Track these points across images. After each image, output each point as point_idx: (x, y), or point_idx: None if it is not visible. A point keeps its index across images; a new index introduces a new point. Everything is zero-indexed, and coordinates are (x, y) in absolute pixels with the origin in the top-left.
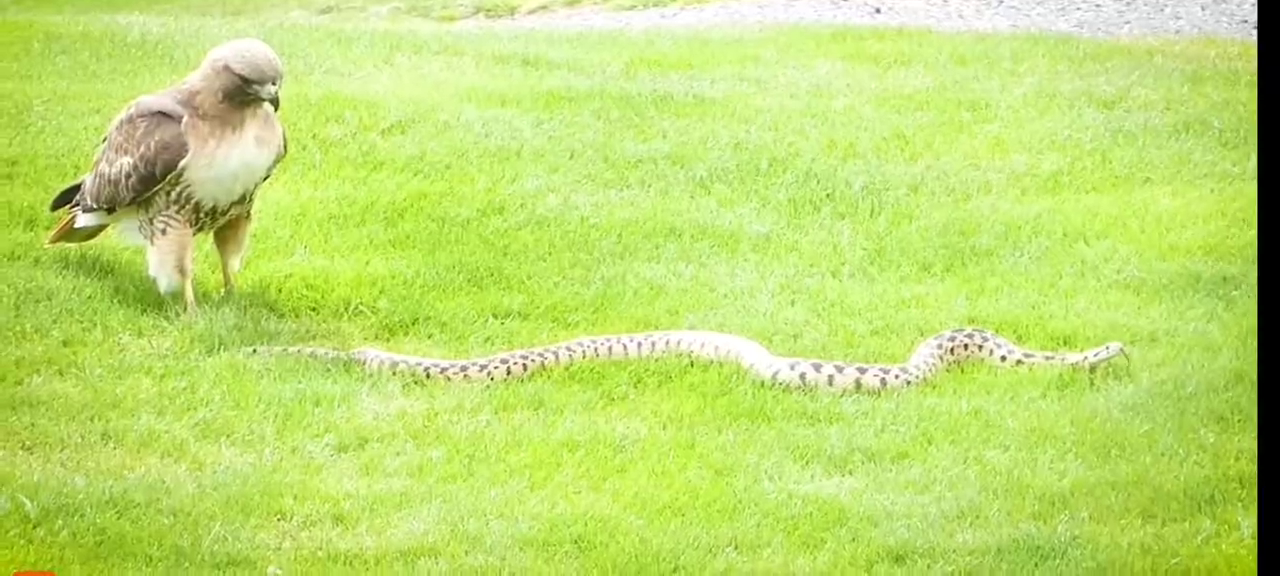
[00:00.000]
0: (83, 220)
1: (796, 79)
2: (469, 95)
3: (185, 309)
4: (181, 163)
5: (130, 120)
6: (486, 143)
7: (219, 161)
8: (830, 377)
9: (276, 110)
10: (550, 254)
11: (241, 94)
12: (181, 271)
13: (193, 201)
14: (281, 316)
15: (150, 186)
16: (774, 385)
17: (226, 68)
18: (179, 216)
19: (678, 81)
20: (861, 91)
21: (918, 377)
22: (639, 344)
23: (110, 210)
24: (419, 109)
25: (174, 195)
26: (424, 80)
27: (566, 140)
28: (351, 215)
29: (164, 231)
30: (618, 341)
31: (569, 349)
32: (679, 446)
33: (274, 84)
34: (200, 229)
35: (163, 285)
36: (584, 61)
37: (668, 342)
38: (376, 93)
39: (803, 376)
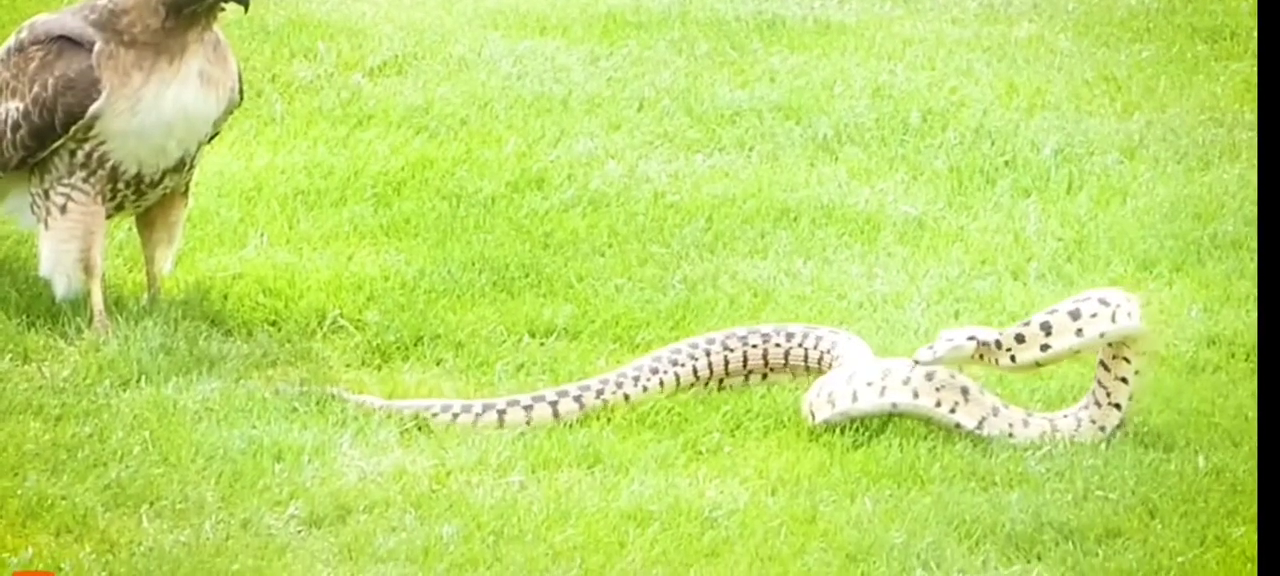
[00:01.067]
0: None
1: None
2: (494, 19)
3: (91, 322)
4: (92, 107)
5: (21, 49)
6: (519, 88)
7: (146, 107)
8: (1010, 426)
9: (246, 9)
10: (610, 246)
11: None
12: (87, 269)
13: (108, 165)
14: (228, 334)
15: (47, 142)
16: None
17: None
18: (87, 187)
19: (793, 0)
20: (1055, 13)
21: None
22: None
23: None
24: (423, 39)
25: (81, 156)
26: None
27: (633, 84)
28: (327, 191)
29: (64, 209)
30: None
31: (682, 357)
32: (795, 520)
33: None
34: (118, 208)
35: (60, 288)
36: None
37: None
38: (362, 16)
39: (980, 423)
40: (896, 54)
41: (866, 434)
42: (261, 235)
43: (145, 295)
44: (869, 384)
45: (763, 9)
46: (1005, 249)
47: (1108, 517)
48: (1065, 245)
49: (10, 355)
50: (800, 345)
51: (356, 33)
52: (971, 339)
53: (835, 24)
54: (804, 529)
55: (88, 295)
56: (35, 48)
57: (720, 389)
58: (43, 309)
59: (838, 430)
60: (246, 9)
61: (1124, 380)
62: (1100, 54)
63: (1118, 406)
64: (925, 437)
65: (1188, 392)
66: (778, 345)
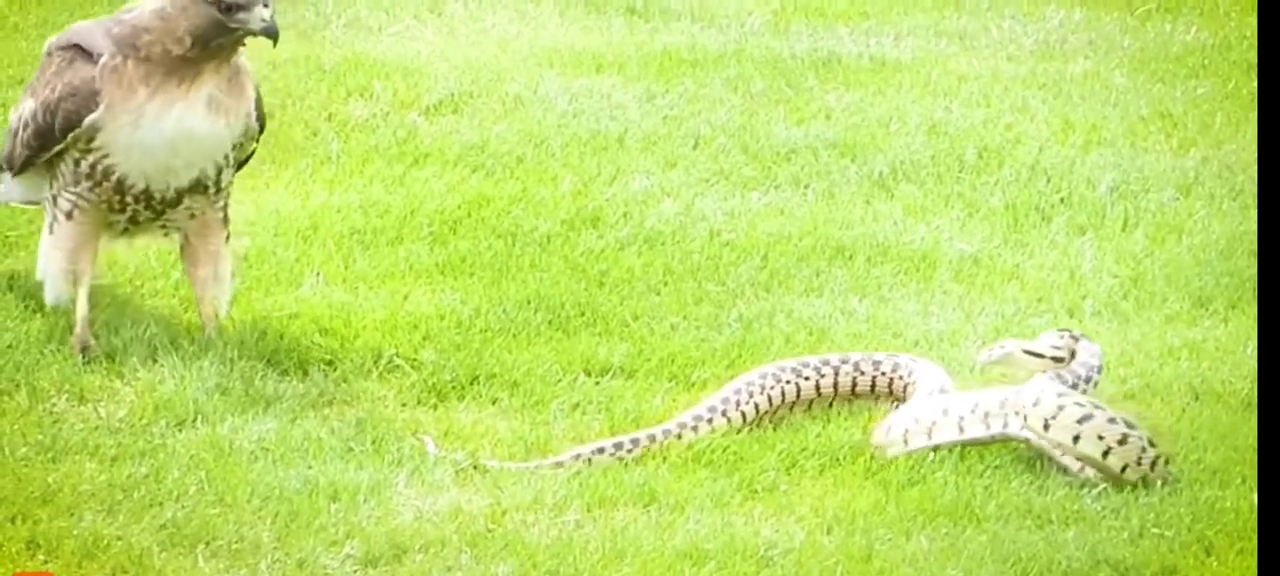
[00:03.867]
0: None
1: (1017, 34)
2: (550, 58)
3: (75, 334)
4: (88, 118)
5: (50, 52)
6: (575, 126)
7: (148, 123)
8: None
9: (274, 41)
10: (665, 284)
11: (219, 29)
12: (73, 277)
13: (113, 178)
14: (284, 374)
15: (48, 145)
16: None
17: None
18: (92, 197)
19: (848, 38)
20: (1110, 50)
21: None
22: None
23: (17, 172)
24: (479, 78)
25: (85, 166)
26: (486, 37)
27: (688, 122)
28: (383, 229)
29: (70, 215)
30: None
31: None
32: (850, 558)
33: (265, 5)
34: (133, 221)
35: (49, 294)
36: (714, 10)
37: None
38: (418, 55)
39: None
40: (952, 91)
41: (922, 471)
42: (317, 274)
43: (200, 334)
44: (989, 413)
45: (818, 47)
46: (1061, 286)
47: (1163, 555)
48: (1121, 282)
49: (67, 395)
50: (907, 377)
51: (412, 72)
52: (1028, 353)
53: (891, 61)
54: (860, 568)
55: (74, 304)
56: (58, 53)
57: (831, 405)
58: (98, 348)
59: (893, 467)
60: (274, 42)
61: None
62: (1156, 90)
63: None
64: (981, 475)
65: (1243, 429)
66: (886, 373)
